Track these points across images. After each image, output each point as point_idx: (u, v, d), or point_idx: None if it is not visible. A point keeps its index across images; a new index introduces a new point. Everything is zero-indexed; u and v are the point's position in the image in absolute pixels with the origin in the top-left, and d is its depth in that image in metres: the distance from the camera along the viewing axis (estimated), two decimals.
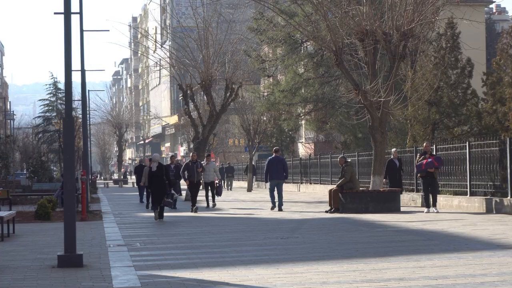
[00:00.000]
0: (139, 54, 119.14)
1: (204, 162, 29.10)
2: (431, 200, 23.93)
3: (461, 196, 25.04)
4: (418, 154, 25.05)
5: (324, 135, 55.60)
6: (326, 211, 25.33)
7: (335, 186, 25.95)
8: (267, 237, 17.14)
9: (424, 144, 24.91)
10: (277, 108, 49.47)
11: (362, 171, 34.42)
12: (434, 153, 26.49)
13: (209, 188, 29.49)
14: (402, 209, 25.58)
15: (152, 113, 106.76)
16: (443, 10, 28.24)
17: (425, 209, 23.85)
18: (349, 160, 26.91)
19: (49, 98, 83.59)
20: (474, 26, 32.21)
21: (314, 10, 29.84)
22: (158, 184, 22.87)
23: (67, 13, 13.66)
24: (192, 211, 26.78)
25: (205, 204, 29.92)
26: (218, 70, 41.91)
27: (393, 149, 28.46)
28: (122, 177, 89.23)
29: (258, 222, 22.14)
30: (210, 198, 29.80)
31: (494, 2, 57.69)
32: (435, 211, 23.60)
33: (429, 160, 23.70)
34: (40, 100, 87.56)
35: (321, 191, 40.81)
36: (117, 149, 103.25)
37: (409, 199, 28.34)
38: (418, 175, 24.79)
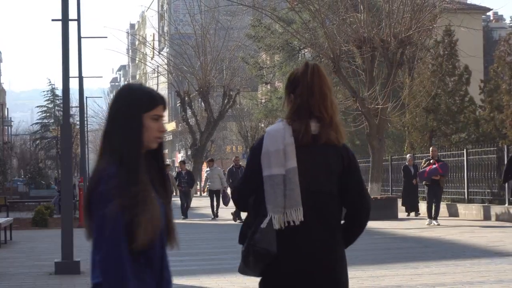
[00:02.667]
0: (136, 61, 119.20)
1: (207, 169, 27.20)
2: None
3: (459, 204, 25.03)
4: (424, 160, 22.55)
5: None
6: None
7: None
8: None
9: (431, 148, 22.49)
10: (274, 115, 49.41)
11: None
12: None
13: (215, 197, 26.96)
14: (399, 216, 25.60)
15: None
16: (440, 17, 28.27)
17: (427, 220, 21.70)
18: None
19: (47, 105, 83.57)
20: (472, 34, 32.25)
21: (312, 18, 29.85)
22: None
23: (65, 20, 13.68)
24: (236, 220, 24.50)
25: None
26: (215, 77, 41.95)
27: (408, 155, 26.93)
28: None
29: None
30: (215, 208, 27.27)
31: (492, 9, 57.81)
32: (436, 224, 21.35)
33: (434, 166, 21.27)
34: (37, 106, 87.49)
35: None
36: None
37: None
38: (423, 182, 22.40)
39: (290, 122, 3.93)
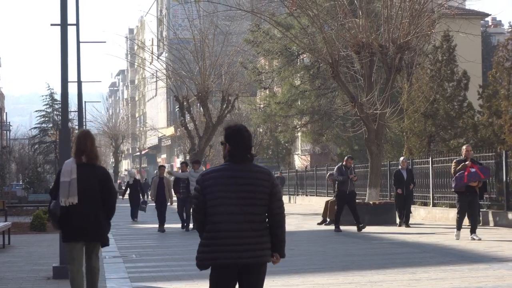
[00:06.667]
0: (135, 66, 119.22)
1: (192, 171, 23.36)
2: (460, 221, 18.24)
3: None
4: (454, 162, 18.07)
5: (320, 147, 55.57)
6: (325, 224, 25.00)
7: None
8: None
9: (464, 148, 18.14)
10: (273, 120, 49.49)
11: (358, 184, 34.21)
12: (431, 165, 26.34)
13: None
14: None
15: (148, 125, 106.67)
16: (439, 23, 28.30)
17: (455, 232, 18.21)
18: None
19: (46, 109, 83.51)
20: (470, 39, 32.29)
21: (310, 23, 29.87)
22: (134, 192, 30.02)
23: (64, 24, 13.69)
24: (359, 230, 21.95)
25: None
26: (214, 81, 41.96)
27: (401, 158, 24.53)
28: (117, 188, 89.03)
29: None
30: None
31: (490, 15, 57.88)
32: (477, 238, 17.81)
33: (473, 170, 17.47)
34: (36, 111, 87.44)
35: (317, 203, 40.77)
36: (113, 161, 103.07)
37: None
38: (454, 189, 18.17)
39: (74, 157, 8.96)
